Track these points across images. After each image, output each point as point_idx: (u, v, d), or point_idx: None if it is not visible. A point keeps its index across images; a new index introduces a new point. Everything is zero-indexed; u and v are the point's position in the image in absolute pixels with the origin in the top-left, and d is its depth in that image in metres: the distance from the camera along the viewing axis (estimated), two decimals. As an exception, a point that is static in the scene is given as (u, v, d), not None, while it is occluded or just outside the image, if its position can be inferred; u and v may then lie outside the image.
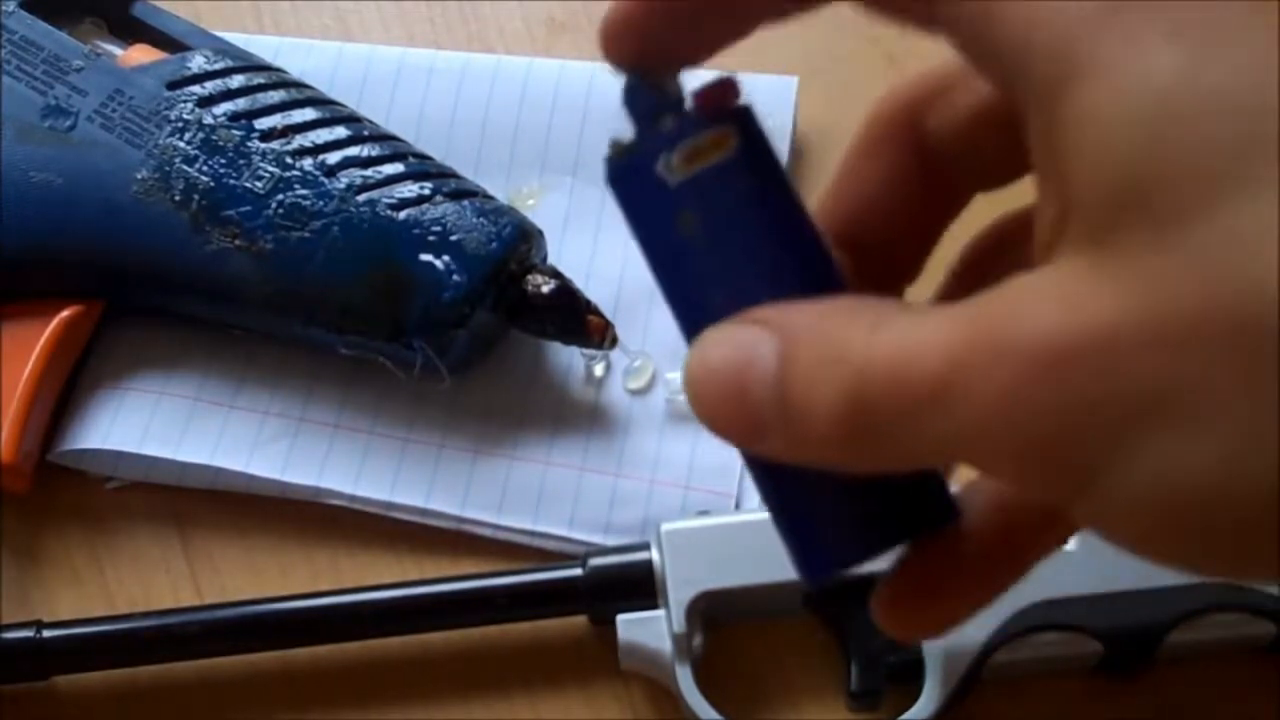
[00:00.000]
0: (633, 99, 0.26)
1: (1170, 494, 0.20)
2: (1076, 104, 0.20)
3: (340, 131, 0.49)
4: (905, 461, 0.23)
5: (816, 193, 0.27)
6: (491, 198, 0.49)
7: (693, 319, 0.25)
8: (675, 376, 0.48)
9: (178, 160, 0.48)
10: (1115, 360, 0.19)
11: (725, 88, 0.25)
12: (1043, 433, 0.20)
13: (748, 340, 0.23)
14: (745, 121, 0.25)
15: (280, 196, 0.47)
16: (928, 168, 0.27)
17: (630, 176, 0.25)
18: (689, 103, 0.25)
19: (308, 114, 0.49)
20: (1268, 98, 0.19)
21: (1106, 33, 0.20)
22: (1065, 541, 0.27)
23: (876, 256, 0.27)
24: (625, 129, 0.26)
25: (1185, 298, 0.19)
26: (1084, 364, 0.20)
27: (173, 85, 0.49)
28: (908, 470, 0.24)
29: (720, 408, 0.23)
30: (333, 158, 0.48)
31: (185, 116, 0.48)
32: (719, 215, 0.25)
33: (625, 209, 0.26)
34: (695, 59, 0.25)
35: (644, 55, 0.25)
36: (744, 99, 0.25)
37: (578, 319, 0.47)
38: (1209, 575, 0.21)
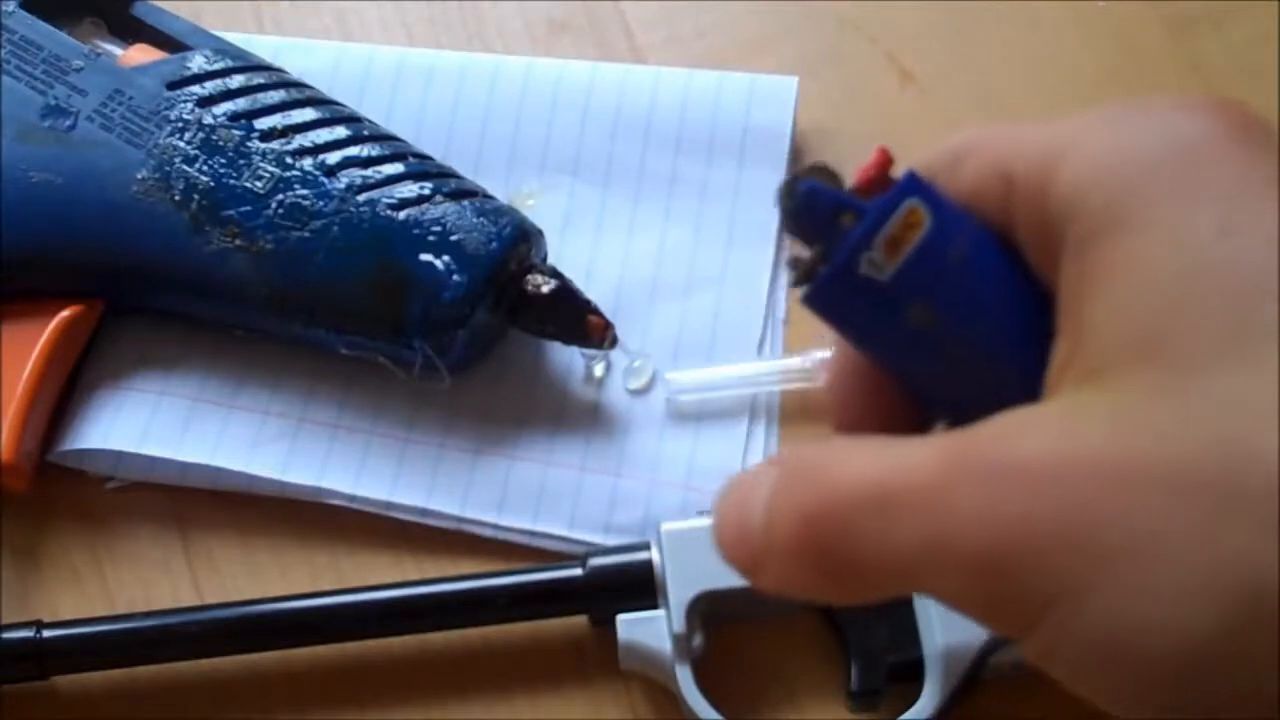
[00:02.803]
0: (808, 205, 0.23)
1: (1121, 633, 0.20)
2: (1115, 252, 0.21)
3: (340, 131, 0.49)
4: (867, 581, 0.23)
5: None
6: (491, 198, 0.49)
7: (957, 396, 0.24)
8: (675, 376, 0.48)
9: (178, 160, 0.48)
10: (1098, 491, 0.20)
11: (883, 161, 0.24)
12: (1015, 549, 0.21)
13: (755, 478, 0.24)
14: (919, 189, 0.23)
15: (280, 196, 0.47)
16: None
17: (834, 290, 0.23)
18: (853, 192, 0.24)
19: (308, 114, 0.49)
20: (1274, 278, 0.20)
21: (1156, 195, 0.21)
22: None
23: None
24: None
25: (1178, 444, 0.20)
26: (1068, 488, 0.20)
27: (173, 85, 0.49)
28: (873, 600, 0.23)
29: (725, 537, 0.24)
30: (333, 158, 0.48)
31: (185, 116, 0.48)
32: (951, 294, 0.23)
33: (840, 323, 0.24)
34: None
35: None
36: (898, 167, 0.24)
37: (578, 319, 0.47)
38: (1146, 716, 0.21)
